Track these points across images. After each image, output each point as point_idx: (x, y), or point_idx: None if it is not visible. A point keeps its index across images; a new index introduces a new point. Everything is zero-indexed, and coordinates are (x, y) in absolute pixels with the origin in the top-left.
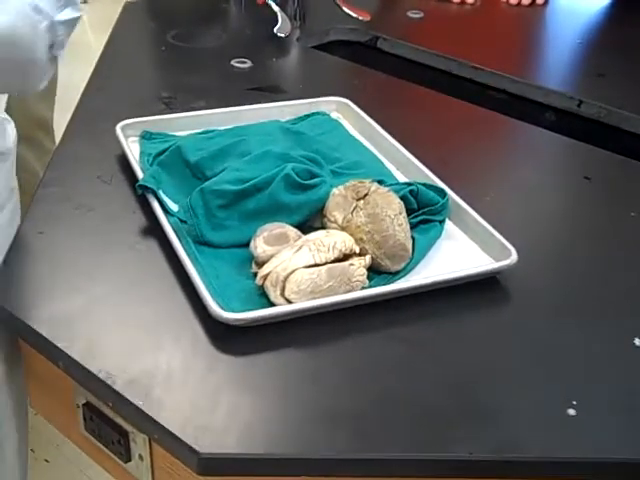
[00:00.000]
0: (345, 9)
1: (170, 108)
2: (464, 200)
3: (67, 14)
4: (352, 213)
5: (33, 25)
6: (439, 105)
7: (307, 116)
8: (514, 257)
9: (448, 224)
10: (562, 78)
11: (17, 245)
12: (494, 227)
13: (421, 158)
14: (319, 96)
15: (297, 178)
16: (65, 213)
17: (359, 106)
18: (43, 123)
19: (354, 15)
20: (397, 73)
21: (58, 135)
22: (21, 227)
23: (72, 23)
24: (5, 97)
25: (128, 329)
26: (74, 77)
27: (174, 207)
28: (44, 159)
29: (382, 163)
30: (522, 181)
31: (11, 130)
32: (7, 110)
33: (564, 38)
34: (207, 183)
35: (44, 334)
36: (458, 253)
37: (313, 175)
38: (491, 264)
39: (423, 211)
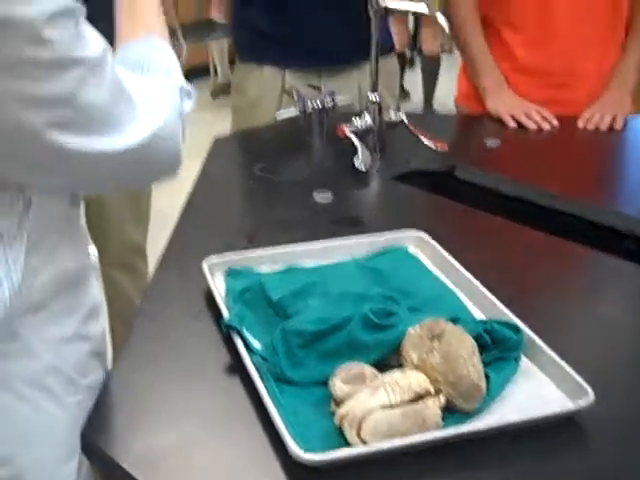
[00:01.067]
0: (423, 140)
1: (255, 243)
2: (540, 335)
3: (189, 106)
4: (427, 353)
5: (177, 116)
6: (517, 236)
7: (385, 251)
8: (590, 397)
9: (523, 360)
10: None
11: (110, 380)
12: (570, 363)
13: (497, 291)
14: (399, 228)
15: (374, 318)
16: (155, 349)
17: (437, 238)
18: (138, 249)
19: (432, 146)
20: (475, 202)
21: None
22: (115, 362)
23: (189, 115)
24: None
25: (212, 470)
26: (163, 202)
27: (257, 345)
28: (138, 283)
29: (459, 298)
30: (600, 314)
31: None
32: (104, 237)
33: None
34: (288, 322)
35: (134, 474)
36: (533, 390)
37: (390, 314)
38: (566, 405)
39: (497, 348)
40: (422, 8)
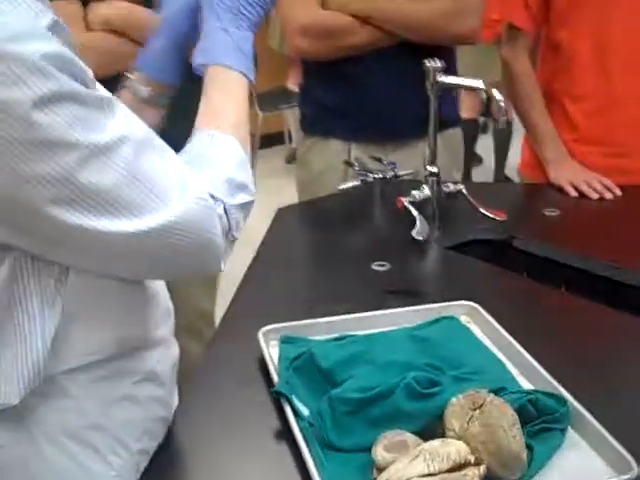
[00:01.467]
0: (482, 210)
1: (312, 311)
2: (588, 406)
3: (240, 199)
4: (468, 423)
5: (210, 209)
6: (574, 307)
7: (437, 320)
8: (635, 471)
9: (569, 431)
10: None
11: (164, 444)
12: (617, 436)
13: (549, 363)
14: (454, 298)
15: (417, 387)
16: (208, 414)
17: (491, 309)
18: (205, 314)
19: (490, 215)
20: (533, 271)
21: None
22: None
23: (246, 206)
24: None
25: None
26: (236, 266)
27: (305, 411)
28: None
29: (506, 369)
30: None
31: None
32: (172, 303)
33: None
34: (335, 390)
35: None
36: (578, 462)
37: (434, 383)
38: (611, 479)
39: (542, 420)
40: (478, 84)
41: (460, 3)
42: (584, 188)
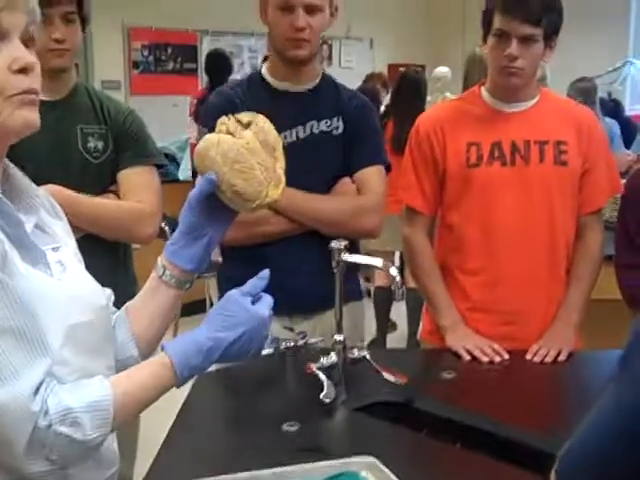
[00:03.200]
0: (384, 374)
1: (227, 468)
2: None
3: (70, 432)
4: None
5: (27, 414)
6: (467, 462)
7: (339, 475)
8: None
9: None
10: None
11: None
12: None
13: None
14: (358, 455)
15: None
16: None
17: (392, 464)
18: (124, 478)
19: (392, 379)
20: (432, 429)
21: None
22: None
23: (71, 445)
24: None
25: None
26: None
27: None
28: None
29: None
30: None
31: None
32: None
33: (590, 390)
34: None
35: None
36: None
37: None
38: None
39: None
40: (378, 262)
41: (366, 203)
42: (476, 353)
